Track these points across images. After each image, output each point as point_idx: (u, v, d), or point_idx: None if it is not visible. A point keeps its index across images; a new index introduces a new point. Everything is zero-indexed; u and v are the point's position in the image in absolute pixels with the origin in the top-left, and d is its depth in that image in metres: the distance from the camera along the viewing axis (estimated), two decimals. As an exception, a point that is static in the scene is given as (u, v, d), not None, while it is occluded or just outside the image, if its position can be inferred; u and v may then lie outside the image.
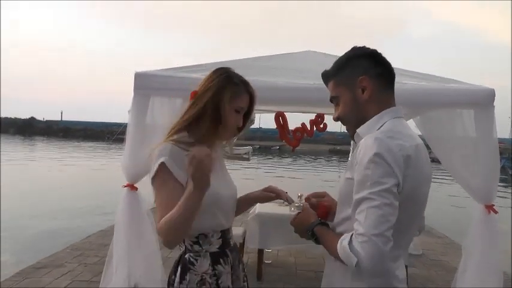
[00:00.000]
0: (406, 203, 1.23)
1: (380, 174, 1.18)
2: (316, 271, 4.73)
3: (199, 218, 1.45)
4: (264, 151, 43.53)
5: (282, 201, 1.75)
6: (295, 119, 5.58)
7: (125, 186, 3.20)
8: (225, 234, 1.63)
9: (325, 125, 6.21)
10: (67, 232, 7.19)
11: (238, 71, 3.42)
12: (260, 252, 4.45)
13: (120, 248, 3.20)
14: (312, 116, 5.46)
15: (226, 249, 1.63)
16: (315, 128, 5.93)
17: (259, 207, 4.51)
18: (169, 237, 1.38)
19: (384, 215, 1.15)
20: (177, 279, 1.55)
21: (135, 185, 3.21)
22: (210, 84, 1.57)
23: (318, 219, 1.45)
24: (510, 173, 24.52)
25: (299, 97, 3.25)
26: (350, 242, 1.19)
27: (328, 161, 35.20)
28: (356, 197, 1.21)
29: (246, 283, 1.74)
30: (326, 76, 1.48)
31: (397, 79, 3.25)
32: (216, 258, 1.58)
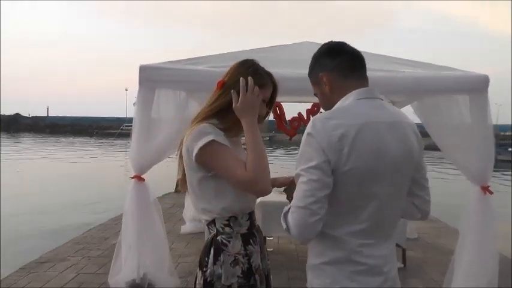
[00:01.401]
0: (350, 179, 1.31)
1: (310, 152, 1.31)
2: (304, 257, 4.83)
3: (233, 201, 1.59)
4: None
5: (282, 189, 1.81)
6: (292, 109, 5.68)
7: (132, 178, 3.26)
8: (251, 216, 1.72)
9: (322, 114, 6.32)
10: (68, 227, 7.22)
11: (232, 63, 3.50)
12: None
13: (129, 238, 3.27)
14: (309, 106, 5.56)
15: (253, 230, 1.72)
16: (311, 117, 6.05)
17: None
18: (265, 175, 1.53)
19: (310, 190, 1.28)
20: (211, 260, 1.62)
21: (142, 176, 3.27)
22: (239, 75, 1.63)
23: None
24: (498, 158, 24.91)
25: (295, 87, 3.33)
26: (287, 212, 1.36)
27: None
28: (294, 172, 1.37)
29: (269, 261, 1.83)
30: (308, 77, 1.61)
31: (394, 68, 3.33)
32: (246, 239, 1.67)
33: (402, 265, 4.57)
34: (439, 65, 3.57)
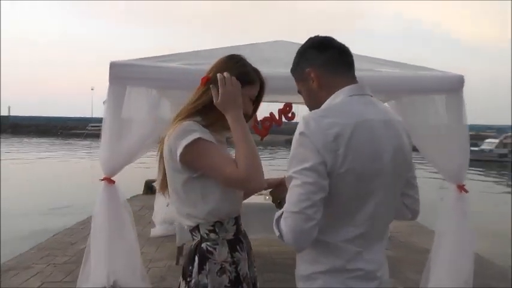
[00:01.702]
0: (347, 181, 1.23)
1: (303, 153, 1.22)
2: (295, 258, 4.78)
3: (220, 204, 1.50)
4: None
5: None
6: (264, 109, 5.60)
7: (102, 180, 3.10)
8: (238, 220, 1.62)
9: (294, 114, 6.28)
10: (32, 232, 6.88)
11: (210, 60, 3.40)
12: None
13: (98, 244, 3.11)
14: (281, 106, 5.51)
15: (240, 236, 1.63)
16: (283, 117, 6.00)
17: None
18: (258, 169, 1.43)
19: (305, 193, 1.19)
20: (195, 269, 1.51)
21: (112, 178, 3.12)
22: (227, 71, 1.55)
23: None
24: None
25: (267, 86, 3.26)
26: (279, 217, 1.26)
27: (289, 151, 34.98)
28: (286, 175, 1.28)
29: (255, 268, 1.74)
30: (291, 74, 1.54)
31: (372, 67, 3.31)
32: (233, 246, 1.57)
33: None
34: (416, 65, 3.59)
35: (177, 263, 4.56)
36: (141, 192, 9.28)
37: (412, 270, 4.47)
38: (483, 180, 19.37)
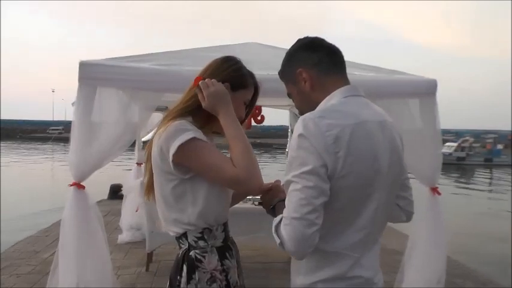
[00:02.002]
0: (347, 185, 1.20)
1: (303, 156, 1.17)
2: (263, 262, 4.75)
3: (209, 209, 1.44)
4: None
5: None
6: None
7: (72, 185, 2.95)
8: (226, 226, 1.56)
9: (263, 117, 6.27)
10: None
11: (179, 61, 3.30)
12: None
13: (67, 252, 2.95)
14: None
15: (229, 243, 1.57)
16: (252, 120, 5.96)
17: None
18: (256, 167, 1.39)
19: (305, 198, 1.14)
20: (184, 279, 1.44)
21: (82, 184, 2.97)
22: (221, 73, 1.51)
23: (284, 197, 1.45)
24: None
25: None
26: (278, 224, 1.22)
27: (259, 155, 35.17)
28: (284, 179, 1.24)
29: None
30: (279, 76, 1.50)
31: (346, 70, 3.33)
32: (222, 253, 1.51)
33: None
34: (389, 68, 3.63)
35: (147, 270, 4.44)
36: (106, 197, 9.03)
37: (383, 272, 4.50)
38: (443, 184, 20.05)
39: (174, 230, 1.50)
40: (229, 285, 1.49)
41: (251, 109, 1.66)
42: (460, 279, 4.60)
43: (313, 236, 1.15)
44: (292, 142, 1.23)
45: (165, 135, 1.41)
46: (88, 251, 3.01)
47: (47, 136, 46.02)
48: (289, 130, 6.05)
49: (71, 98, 3.35)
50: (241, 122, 1.60)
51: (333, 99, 1.31)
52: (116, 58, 3.16)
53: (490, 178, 30.09)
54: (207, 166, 1.39)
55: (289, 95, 1.47)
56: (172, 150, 1.37)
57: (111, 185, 9.18)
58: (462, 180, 26.18)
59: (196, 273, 1.44)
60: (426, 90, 3.24)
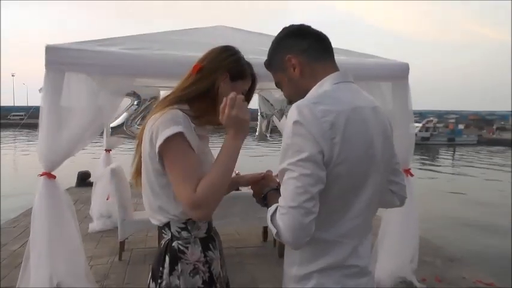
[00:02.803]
0: (343, 172, 1.19)
1: (299, 143, 1.15)
2: (236, 247, 4.75)
3: None
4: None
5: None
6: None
7: (42, 175, 2.84)
8: None
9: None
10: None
11: (149, 44, 3.19)
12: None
13: (39, 245, 2.87)
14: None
15: (212, 233, 1.54)
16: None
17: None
18: (214, 203, 1.31)
19: (302, 186, 1.13)
20: (166, 270, 1.41)
21: (52, 173, 2.87)
22: (220, 62, 1.48)
23: (275, 186, 1.46)
24: None
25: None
26: (274, 213, 1.20)
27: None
28: (279, 167, 1.21)
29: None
30: (265, 66, 1.48)
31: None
32: (205, 244, 1.48)
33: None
34: (360, 52, 3.64)
35: (120, 259, 4.37)
36: (74, 185, 8.79)
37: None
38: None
39: (157, 218, 1.46)
40: (212, 276, 1.47)
41: (249, 99, 1.61)
42: (428, 256, 4.75)
43: (310, 224, 1.13)
44: (286, 129, 1.19)
45: (160, 120, 1.35)
46: (60, 242, 2.94)
47: (8, 122, 44.21)
48: (259, 114, 6.04)
49: (32, 83, 3.21)
50: None
51: (325, 86, 1.29)
52: (83, 42, 3.03)
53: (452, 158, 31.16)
54: (173, 170, 1.34)
55: (277, 84, 1.44)
56: (160, 140, 1.32)
57: (79, 172, 8.92)
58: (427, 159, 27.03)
59: (179, 264, 1.41)
60: (398, 74, 3.30)
